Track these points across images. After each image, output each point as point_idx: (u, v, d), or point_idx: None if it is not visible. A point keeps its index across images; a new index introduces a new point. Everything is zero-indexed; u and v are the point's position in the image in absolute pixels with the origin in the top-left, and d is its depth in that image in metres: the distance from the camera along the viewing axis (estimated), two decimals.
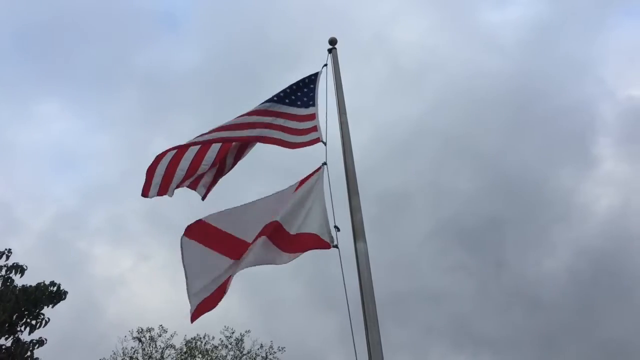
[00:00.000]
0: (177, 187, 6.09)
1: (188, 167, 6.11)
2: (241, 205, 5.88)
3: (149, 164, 6.04)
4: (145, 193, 5.96)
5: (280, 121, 6.60)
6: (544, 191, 41.16)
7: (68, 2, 54.30)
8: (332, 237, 5.30)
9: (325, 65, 6.99)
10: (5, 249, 10.91)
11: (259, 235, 5.45)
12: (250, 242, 5.52)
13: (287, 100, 6.76)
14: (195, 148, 6.21)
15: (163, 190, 6.01)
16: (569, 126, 45.56)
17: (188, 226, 5.68)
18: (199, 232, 5.66)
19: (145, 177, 6.01)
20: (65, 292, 11.19)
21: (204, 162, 6.19)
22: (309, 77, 7.01)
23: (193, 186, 6.36)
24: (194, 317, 5.37)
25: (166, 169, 6.02)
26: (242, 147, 6.68)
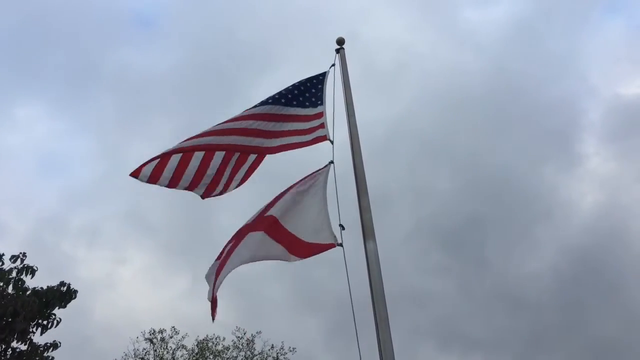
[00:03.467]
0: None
1: (193, 176, 5.92)
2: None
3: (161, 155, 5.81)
4: (136, 174, 5.64)
5: (288, 126, 6.49)
6: (527, 189, 40.81)
7: (40, 4, 54.24)
8: (334, 236, 5.32)
9: (333, 65, 7.00)
10: (20, 253, 10.97)
11: (252, 228, 5.49)
12: (249, 222, 5.62)
13: (294, 102, 6.67)
14: (200, 155, 5.99)
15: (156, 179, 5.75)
16: (551, 124, 45.11)
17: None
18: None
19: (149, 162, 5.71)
20: (76, 291, 11.23)
21: (208, 171, 6.00)
22: (317, 76, 7.00)
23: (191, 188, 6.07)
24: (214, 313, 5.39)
25: (175, 170, 5.83)
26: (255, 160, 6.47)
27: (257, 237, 5.50)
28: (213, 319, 5.31)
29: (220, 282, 5.28)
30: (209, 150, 6.04)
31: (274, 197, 5.84)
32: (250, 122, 6.35)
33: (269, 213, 5.62)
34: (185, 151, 5.88)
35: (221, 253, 5.63)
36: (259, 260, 5.54)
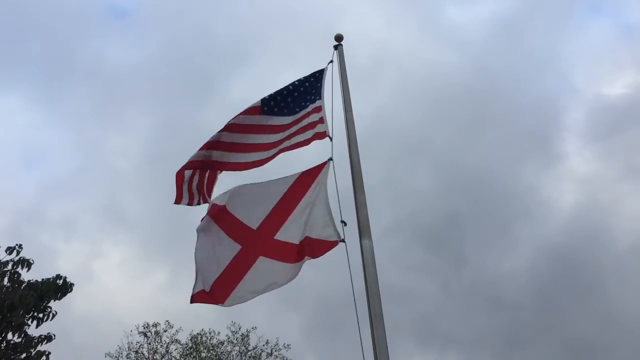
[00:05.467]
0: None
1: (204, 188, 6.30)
2: (247, 185, 6.09)
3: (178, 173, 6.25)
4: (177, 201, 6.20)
5: (289, 131, 6.54)
6: (506, 188, 40.88)
7: None
8: (338, 233, 5.35)
9: (331, 61, 7.01)
10: (16, 245, 10.95)
11: (264, 252, 5.58)
12: (255, 229, 5.74)
13: (297, 109, 6.69)
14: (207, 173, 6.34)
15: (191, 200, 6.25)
16: (532, 123, 45.12)
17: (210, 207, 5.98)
18: (217, 213, 5.90)
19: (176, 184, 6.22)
20: (72, 284, 11.25)
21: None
22: (314, 75, 7.00)
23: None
24: (195, 299, 5.62)
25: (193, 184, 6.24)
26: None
27: (269, 266, 5.54)
28: (191, 301, 5.62)
29: (229, 302, 5.50)
30: (215, 168, 6.36)
31: (281, 206, 5.87)
32: (269, 135, 6.52)
33: (277, 237, 5.65)
34: (194, 167, 6.25)
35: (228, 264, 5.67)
36: (272, 290, 5.61)
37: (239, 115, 6.51)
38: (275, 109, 6.66)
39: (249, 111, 6.55)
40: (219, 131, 6.38)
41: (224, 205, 5.92)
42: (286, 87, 6.82)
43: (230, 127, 6.41)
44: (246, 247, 5.71)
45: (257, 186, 6.06)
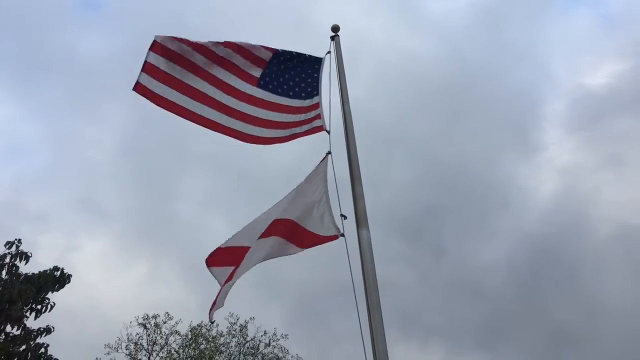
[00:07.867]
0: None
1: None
2: (253, 221, 5.95)
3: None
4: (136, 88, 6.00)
5: (285, 117, 6.49)
6: (484, 178, 40.69)
7: None
8: (337, 228, 5.36)
9: (329, 52, 6.97)
10: (15, 239, 11.01)
11: (268, 234, 5.53)
12: (251, 247, 5.61)
13: (290, 93, 6.67)
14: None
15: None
16: (511, 113, 44.72)
17: (209, 256, 5.83)
18: (220, 258, 5.78)
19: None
20: (70, 276, 11.33)
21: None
22: (311, 63, 6.94)
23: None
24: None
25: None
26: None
27: (267, 242, 5.54)
28: (210, 319, 5.46)
29: (229, 287, 5.41)
30: (209, 125, 6.24)
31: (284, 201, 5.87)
32: (250, 107, 6.43)
33: (276, 217, 5.66)
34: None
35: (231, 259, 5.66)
36: (271, 258, 5.61)
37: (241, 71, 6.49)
38: (269, 86, 6.62)
39: (247, 78, 6.51)
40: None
41: (228, 246, 5.82)
42: (277, 64, 6.75)
43: (228, 89, 6.38)
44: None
45: (263, 214, 5.95)
